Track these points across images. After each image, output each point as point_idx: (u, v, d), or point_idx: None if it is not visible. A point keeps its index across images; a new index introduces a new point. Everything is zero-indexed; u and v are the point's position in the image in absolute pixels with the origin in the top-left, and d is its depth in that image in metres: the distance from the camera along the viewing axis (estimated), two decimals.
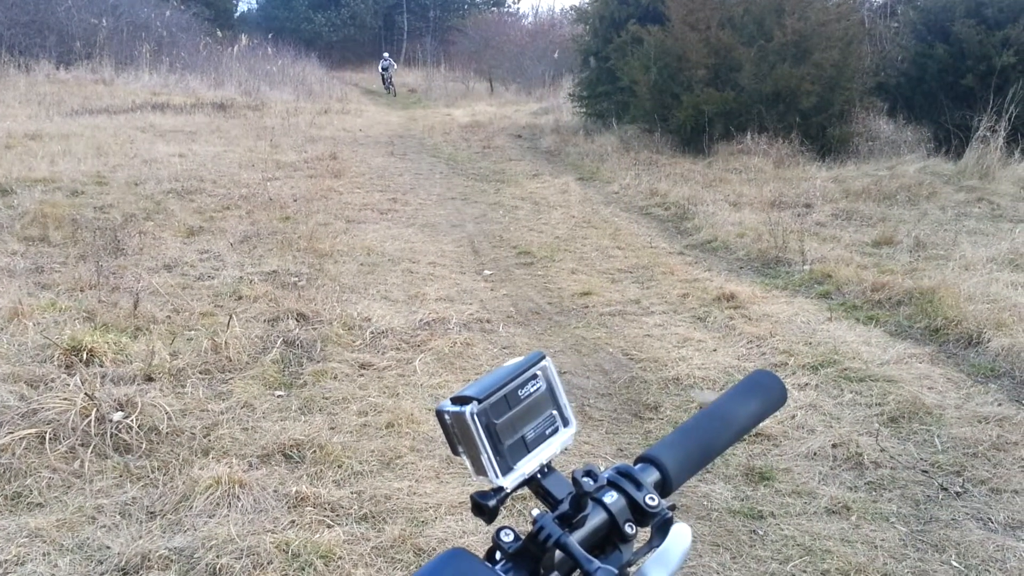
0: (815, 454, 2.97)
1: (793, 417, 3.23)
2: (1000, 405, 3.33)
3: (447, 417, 0.71)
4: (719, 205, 7.26)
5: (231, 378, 3.49)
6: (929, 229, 6.28)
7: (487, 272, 5.45)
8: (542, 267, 5.61)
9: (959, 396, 3.44)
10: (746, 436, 0.85)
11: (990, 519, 2.58)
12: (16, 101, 12.69)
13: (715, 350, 3.97)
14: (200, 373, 3.50)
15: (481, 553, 0.72)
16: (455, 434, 0.71)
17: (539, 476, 0.74)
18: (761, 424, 0.92)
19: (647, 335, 4.22)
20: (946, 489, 2.75)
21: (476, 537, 2.44)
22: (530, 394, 0.73)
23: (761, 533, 2.52)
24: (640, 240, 6.44)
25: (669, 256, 5.93)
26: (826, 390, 3.52)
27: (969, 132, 8.82)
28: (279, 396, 3.38)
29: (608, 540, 0.74)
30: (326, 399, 3.36)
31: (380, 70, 26.98)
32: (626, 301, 4.80)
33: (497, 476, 0.70)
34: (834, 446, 3.00)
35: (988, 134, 8.46)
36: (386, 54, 28.29)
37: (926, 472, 2.87)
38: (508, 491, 0.71)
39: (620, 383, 3.66)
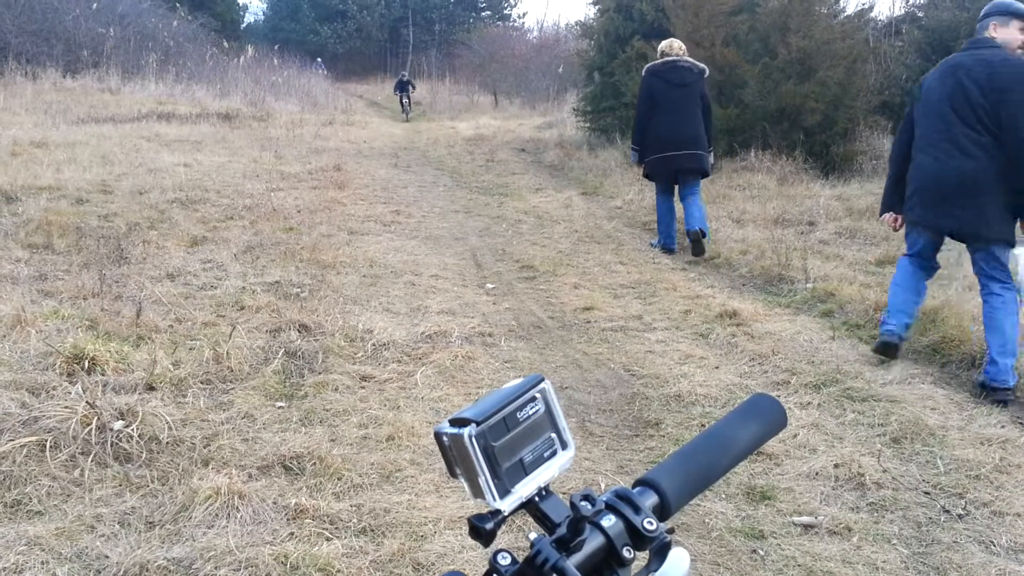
0: (817, 474, 2.96)
1: (795, 436, 3.22)
2: (1003, 427, 3.32)
3: (445, 439, 0.71)
4: (722, 222, 7.26)
5: (232, 388, 3.49)
6: None
7: (489, 286, 5.45)
8: (544, 281, 5.61)
9: (962, 417, 3.43)
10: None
11: (992, 542, 2.56)
12: (23, 109, 12.74)
13: (717, 367, 3.97)
14: (201, 383, 3.50)
15: (478, 575, 0.72)
16: (453, 456, 0.71)
17: (537, 499, 0.74)
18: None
19: (649, 351, 4.22)
20: (948, 511, 2.74)
21: (475, 552, 2.43)
22: (529, 417, 0.73)
23: (762, 553, 2.51)
24: (643, 256, 6.44)
25: (672, 272, 5.92)
26: (828, 409, 3.51)
27: None
28: (280, 407, 3.38)
29: (606, 564, 0.74)
30: (327, 411, 3.35)
31: (398, 91, 23.33)
32: (628, 317, 4.80)
33: (495, 499, 0.70)
34: (836, 466, 2.99)
35: None
36: (404, 73, 24.87)
37: (928, 494, 2.85)
38: (506, 514, 0.71)
39: (621, 399, 3.65)
